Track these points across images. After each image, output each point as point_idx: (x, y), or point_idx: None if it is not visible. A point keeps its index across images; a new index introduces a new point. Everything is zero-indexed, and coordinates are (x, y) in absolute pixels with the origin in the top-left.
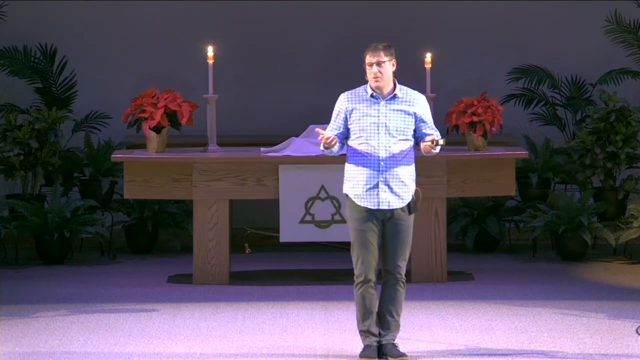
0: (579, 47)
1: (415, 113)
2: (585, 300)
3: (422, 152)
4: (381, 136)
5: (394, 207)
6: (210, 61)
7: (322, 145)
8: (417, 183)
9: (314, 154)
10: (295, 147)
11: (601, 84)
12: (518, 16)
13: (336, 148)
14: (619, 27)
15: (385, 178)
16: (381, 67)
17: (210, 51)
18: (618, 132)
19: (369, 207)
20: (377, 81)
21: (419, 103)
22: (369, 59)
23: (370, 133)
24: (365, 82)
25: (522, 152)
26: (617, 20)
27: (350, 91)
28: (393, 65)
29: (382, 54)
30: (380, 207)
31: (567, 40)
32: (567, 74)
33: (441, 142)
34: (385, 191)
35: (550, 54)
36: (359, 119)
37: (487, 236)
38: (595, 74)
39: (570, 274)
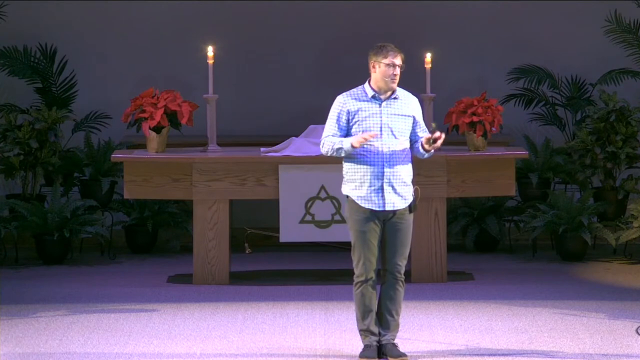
0: (579, 47)
1: (414, 116)
2: (585, 300)
3: (420, 153)
4: (384, 137)
5: (398, 208)
6: (210, 61)
7: (341, 146)
8: (417, 183)
9: (314, 154)
10: (295, 147)
11: (601, 84)
12: (518, 16)
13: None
14: (619, 27)
15: (389, 179)
16: (399, 69)
17: (210, 51)
18: (618, 132)
19: (373, 208)
20: (393, 83)
21: (415, 105)
22: (390, 59)
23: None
24: (362, 82)
25: (522, 152)
26: (617, 20)
27: (347, 92)
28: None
29: (400, 56)
30: (386, 209)
31: (567, 40)
32: (567, 74)
33: (433, 127)
34: (389, 192)
35: (550, 54)
36: (362, 121)
37: (487, 236)
38: (595, 74)
39: (570, 274)
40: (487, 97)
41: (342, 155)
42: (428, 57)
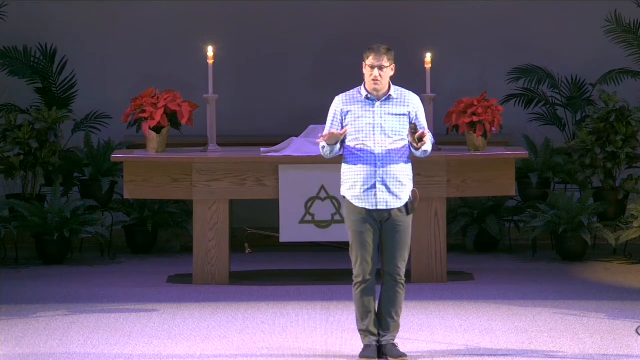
0: (579, 47)
1: (409, 113)
2: (585, 300)
3: (414, 152)
4: (377, 137)
5: (392, 207)
6: (210, 61)
7: (324, 145)
8: (417, 183)
9: (314, 154)
10: (295, 147)
11: (601, 84)
12: (518, 16)
13: (337, 147)
14: (619, 27)
15: (383, 178)
16: (382, 71)
17: (210, 51)
18: (618, 132)
19: (367, 207)
20: (375, 84)
21: (413, 103)
22: (371, 61)
23: (366, 134)
24: (359, 83)
25: (522, 152)
26: (617, 20)
27: (344, 93)
28: (392, 70)
29: (385, 58)
30: (378, 208)
31: (567, 40)
32: (567, 74)
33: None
34: (382, 191)
35: (550, 54)
36: (355, 121)
37: (487, 236)
38: (595, 74)
39: (570, 274)
40: (487, 97)
41: (329, 154)
42: (428, 57)
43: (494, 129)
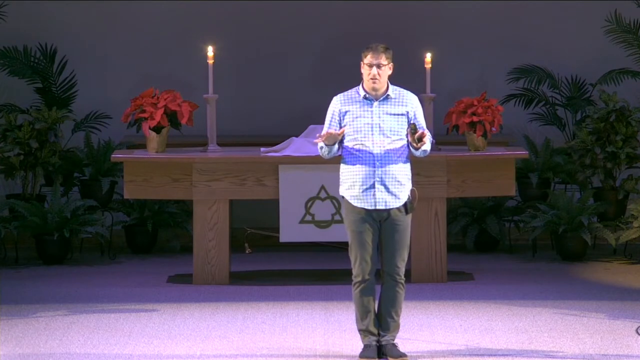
0: (579, 47)
1: (407, 113)
2: (585, 300)
3: (414, 151)
4: (375, 137)
5: (391, 207)
6: (210, 61)
7: (322, 145)
8: (417, 183)
9: (313, 154)
10: (295, 147)
11: (601, 84)
12: (518, 16)
13: (335, 147)
14: (619, 27)
15: (381, 178)
16: (380, 70)
17: (210, 51)
18: (618, 132)
19: (365, 207)
20: (374, 82)
21: (411, 103)
22: (369, 59)
23: (365, 134)
24: (359, 83)
25: (522, 152)
26: (617, 20)
27: (342, 93)
28: (390, 68)
29: (383, 56)
30: (377, 207)
31: (567, 40)
32: (567, 74)
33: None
34: (381, 191)
35: (550, 54)
36: (353, 121)
37: (487, 236)
38: (595, 74)
39: (570, 274)
40: (487, 97)
41: (327, 155)
42: (428, 57)
43: (494, 129)
